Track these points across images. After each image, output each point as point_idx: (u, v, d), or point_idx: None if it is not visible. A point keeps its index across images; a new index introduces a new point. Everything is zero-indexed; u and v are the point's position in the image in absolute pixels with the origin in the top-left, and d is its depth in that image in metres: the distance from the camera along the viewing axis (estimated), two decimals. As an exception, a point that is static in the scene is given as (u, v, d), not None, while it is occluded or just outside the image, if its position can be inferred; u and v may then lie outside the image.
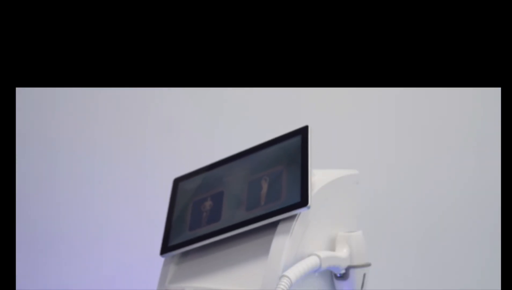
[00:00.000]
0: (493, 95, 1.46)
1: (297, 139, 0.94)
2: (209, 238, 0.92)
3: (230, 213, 0.93)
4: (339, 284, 0.90)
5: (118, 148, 1.54)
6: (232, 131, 1.51)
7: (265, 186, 0.92)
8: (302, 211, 0.86)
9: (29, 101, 1.52)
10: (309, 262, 0.85)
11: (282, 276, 0.82)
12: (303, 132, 0.94)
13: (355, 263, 0.89)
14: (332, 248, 0.90)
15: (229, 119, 1.52)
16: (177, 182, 1.03)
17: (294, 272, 0.83)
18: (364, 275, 0.90)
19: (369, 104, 1.53)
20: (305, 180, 0.88)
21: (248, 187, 0.94)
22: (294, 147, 0.94)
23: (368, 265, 0.91)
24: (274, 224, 0.89)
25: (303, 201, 0.87)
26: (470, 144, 1.51)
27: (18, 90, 1.45)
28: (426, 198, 1.51)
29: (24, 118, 1.50)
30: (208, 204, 0.96)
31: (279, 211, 0.87)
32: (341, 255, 0.89)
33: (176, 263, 0.95)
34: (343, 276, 0.90)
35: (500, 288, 1.39)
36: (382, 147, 1.52)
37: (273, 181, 0.92)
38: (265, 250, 0.88)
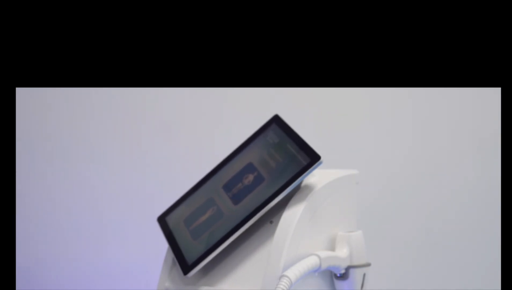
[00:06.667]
0: (493, 95, 1.46)
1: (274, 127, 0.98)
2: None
3: (246, 201, 0.91)
4: (339, 284, 0.90)
5: (118, 148, 1.54)
6: (232, 131, 1.51)
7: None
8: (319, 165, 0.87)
9: (29, 101, 1.53)
10: (309, 262, 0.85)
11: (282, 276, 0.82)
12: (276, 120, 0.98)
13: (355, 263, 0.89)
14: (332, 248, 0.90)
15: (230, 119, 1.52)
16: (163, 217, 1.01)
17: (294, 272, 0.83)
18: (364, 275, 0.90)
19: (369, 105, 1.53)
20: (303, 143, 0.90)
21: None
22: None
23: (368, 265, 0.91)
24: (275, 224, 0.89)
25: (315, 157, 0.87)
26: (470, 144, 1.50)
27: (18, 90, 1.46)
28: (426, 198, 1.51)
29: (24, 118, 1.50)
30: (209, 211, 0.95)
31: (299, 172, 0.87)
32: (341, 255, 0.89)
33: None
34: (343, 276, 0.90)
35: (500, 288, 1.39)
36: (382, 147, 1.52)
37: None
38: (265, 250, 0.89)
